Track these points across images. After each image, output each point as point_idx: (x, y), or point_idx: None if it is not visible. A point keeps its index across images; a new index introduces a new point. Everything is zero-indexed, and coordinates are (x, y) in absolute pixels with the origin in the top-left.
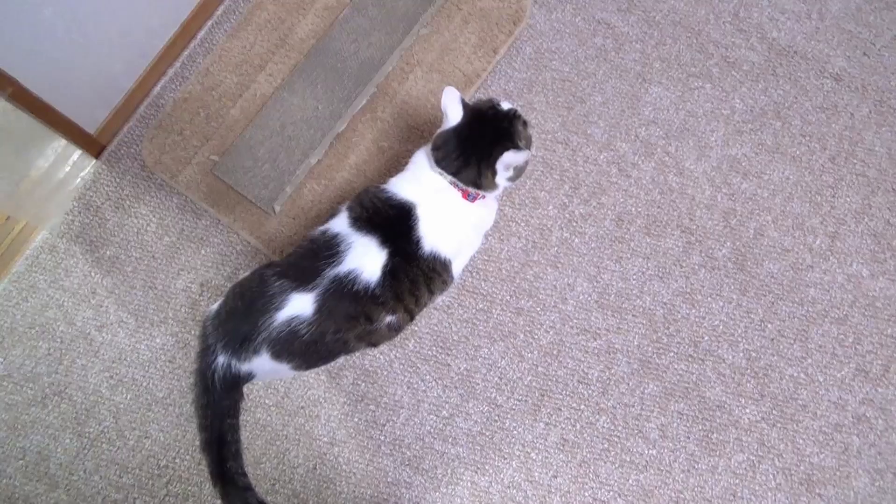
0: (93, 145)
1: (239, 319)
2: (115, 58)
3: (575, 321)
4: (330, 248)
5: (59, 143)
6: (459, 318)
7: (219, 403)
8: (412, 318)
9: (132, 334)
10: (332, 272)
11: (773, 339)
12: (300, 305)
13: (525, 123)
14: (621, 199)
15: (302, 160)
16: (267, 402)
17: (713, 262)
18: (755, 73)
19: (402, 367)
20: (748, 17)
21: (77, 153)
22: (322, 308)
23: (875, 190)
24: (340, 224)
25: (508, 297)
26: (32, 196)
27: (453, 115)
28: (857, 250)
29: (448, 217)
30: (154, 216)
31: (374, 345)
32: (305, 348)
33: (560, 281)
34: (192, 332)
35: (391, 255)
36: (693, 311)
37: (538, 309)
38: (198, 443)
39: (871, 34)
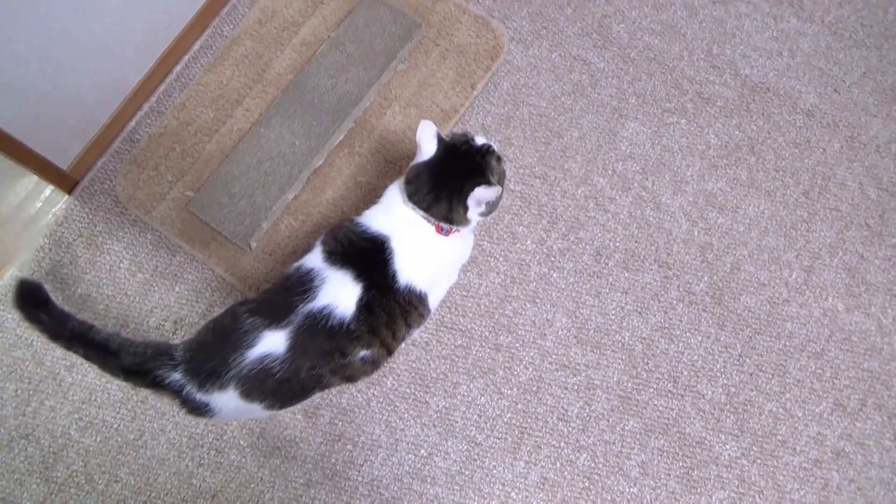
0: (65, 181)
1: (209, 353)
2: (88, 92)
3: (554, 357)
4: (304, 284)
5: (31, 179)
6: (438, 354)
7: (132, 373)
8: (390, 353)
9: (103, 374)
10: (305, 308)
11: (751, 374)
12: (273, 343)
13: (499, 159)
14: (599, 234)
15: (278, 196)
16: (241, 442)
17: (691, 296)
18: (729, 108)
19: (379, 405)
20: (721, 53)
21: (49, 189)
22: (295, 345)
23: (848, 224)
24: (314, 259)
25: (487, 333)
26: (1, 233)
27: (427, 148)
28: (832, 284)
29: (422, 250)
30: (127, 253)
31: (351, 380)
32: (278, 387)
33: (539, 316)
34: None
35: (366, 289)
36: (672, 346)
37: (517, 345)
38: (161, 480)
39: (841, 71)
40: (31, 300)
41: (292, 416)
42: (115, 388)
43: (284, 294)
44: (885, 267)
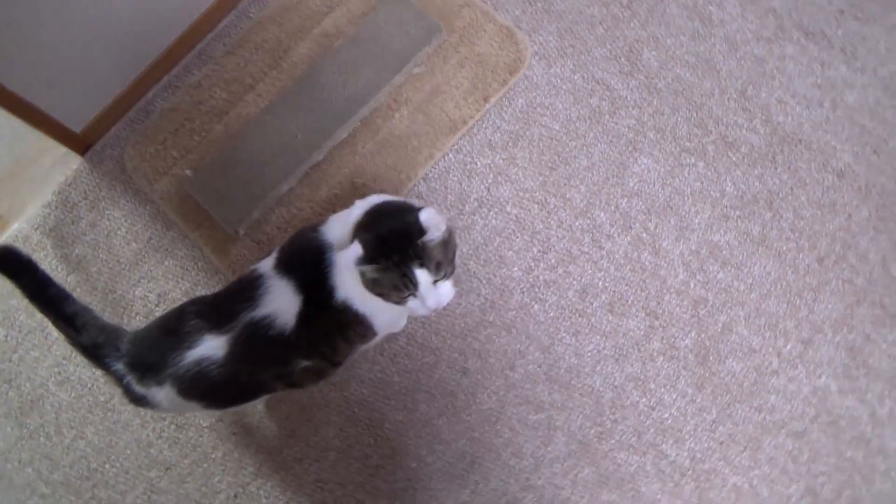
0: (78, 143)
1: (150, 349)
2: (109, 61)
3: (520, 390)
4: (251, 290)
5: (46, 138)
6: (404, 368)
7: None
8: (335, 366)
9: None
10: (248, 316)
11: (722, 443)
12: (211, 347)
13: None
14: (589, 271)
15: (273, 187)
16: (202, 422)
17: (674, 351)
18: (753, 156)
19: (337, 409)
20: (756, 95)
21: (63, 149)
22: (234, 352)
23: (861, 300)
24: (267, 264)
25: (457, 356)
26: (12, 185)
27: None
28: (829, 362)
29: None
30: (126, 221)
31: (297, 387)
32: (215, 389)
33: (512, 346)
34: None
35: (305, 302)
36: (643, 399)
37: (484, 372)
38: (122, 445)
39: (886, 132)
40: (13, 262)
41: (253, 406)
42: None
43: (232, 299)
44: (893, 353)
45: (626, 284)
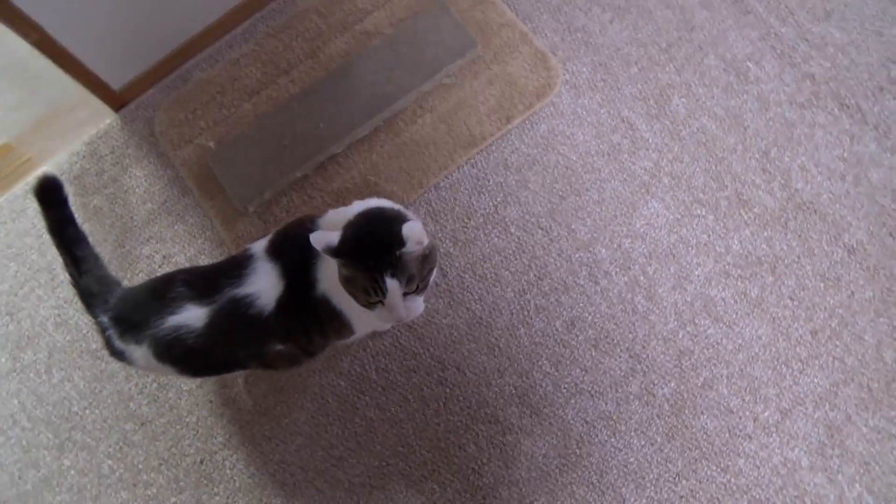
0: (114, 99)
1: (135, 308)
2: (154, 27)
3: (491, 409)
4: (239, 268)
5: (85, 90)
6: (383, 367)
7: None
8: (309, 356)
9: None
10: (231, 292)
11: (682, 497)
12: (192, 316)
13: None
14: (581, 304)
15: (288, 171)
16: (183, 386)
17: (651, 397)
18: (765, 218)
19: (313, 395)
20: (779, 158)
21: (99, 102)
22: (212, 324)
23: (848, 380)
24: (259, 246)
25: (435, 364)
26: (47, 130)
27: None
28: (804, 436)
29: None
30: (145, 181)
31: (270, 367)
32: (190, 357)
33: (491, 364)
34: None
35: (287, 288)
36: (612, 439)
37: (461, 385)
38: (105, 394)
39: None
40: (52, 191)
41: (233, 378)
42: None
43: (220, 273)
44: (872, 438)
45: (615, 324)
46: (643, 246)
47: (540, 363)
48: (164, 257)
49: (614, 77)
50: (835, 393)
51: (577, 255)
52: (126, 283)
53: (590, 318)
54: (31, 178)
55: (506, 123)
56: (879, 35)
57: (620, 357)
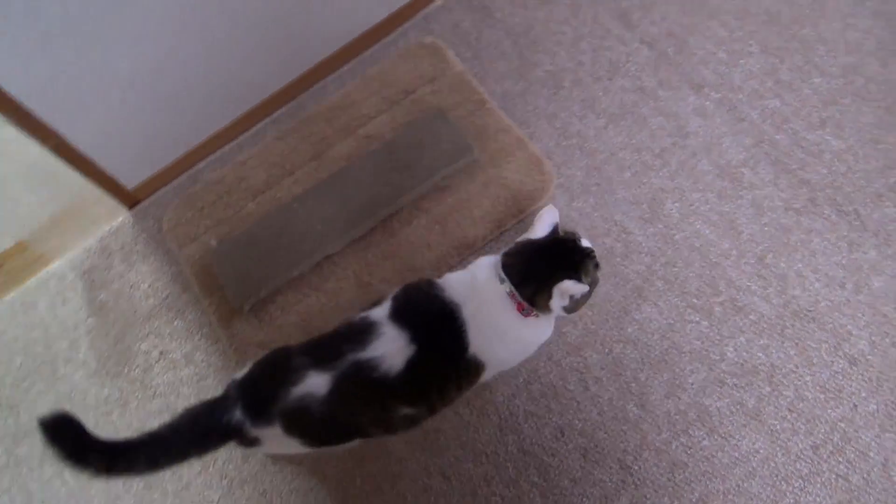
0: (128, 198)
1: (261, 386)
2: (169, 131)
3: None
4: (362, 333)
5: (101, 190)
6: (367, 472)
7: (198, 440)
8: (432, 413)
9: (89, 377)
10: (354, 356)
11: None
12: (316, 383)
13: (597, 266)
14: (571, 411)
15: (286, 270)
16: (169, 487)
17: None
18: (761, 326)
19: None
20: (774, 264)
21: (114, 201)
22: (337, 390)
23: (853, 500)
24: (380, 313)
25: (421, 471)
26: (63, 226)
27: (540, 231)
28: None
29: (497, 326)
30: (150, 276)
31: (390, 432)
32: (316, 426)
33: (478, 472)
34: (136, 395)
35: (421, 351)
36: None
37: (445, 493)
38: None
39: None
40: (69, 436)
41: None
42: (92, 394)
43: (339, 339)
44: None
45: (606, 432)
46: (635, 352)
47: (527, 473)
48: (160, 353)
49: (608, 181)
50: None
51: (567, 360)
52: (123, 377)
53: (580, 425)
54: (45, 271)
55: (500, 226)
56: (876, 143)
57: (611, 468)
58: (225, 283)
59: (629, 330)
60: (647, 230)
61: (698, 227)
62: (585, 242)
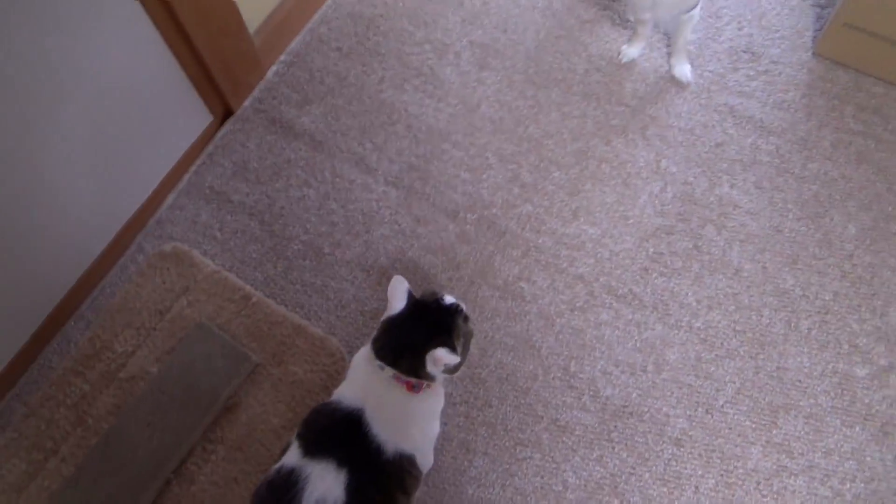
0: None
1: None
2: None
3: None
4: (288, 489)
5: None
6: None
7: None
8: None
9: None
10: None
11: None
12: None
13: (466, 319)
14: None
15: None
16: None
17: None
18: (588, 437)
19: None
20: (580, 371)
21: None
22: None
23: None
24: (293, 457)
25: None
26: None
27: (397, 304)
28: None
29: (399, 413)
30: None
31: None
32: None
33: None
34: None
35: (352, 473)
36: None
37: None
38: None
39: (713, 388)
40: None
41: None
42: None
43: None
44: None
45: None
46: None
47: None
48: None
49: None
50: None
51: None
52: None
53: None
54: None
55: None
56: (626, 219)
57: None
58: None
59: (469, 491)
60: (454, 377)
61: (499, 356)
62: (449, 299)
